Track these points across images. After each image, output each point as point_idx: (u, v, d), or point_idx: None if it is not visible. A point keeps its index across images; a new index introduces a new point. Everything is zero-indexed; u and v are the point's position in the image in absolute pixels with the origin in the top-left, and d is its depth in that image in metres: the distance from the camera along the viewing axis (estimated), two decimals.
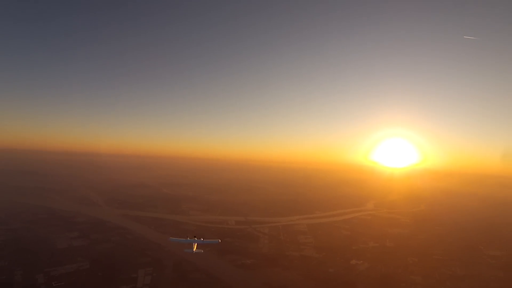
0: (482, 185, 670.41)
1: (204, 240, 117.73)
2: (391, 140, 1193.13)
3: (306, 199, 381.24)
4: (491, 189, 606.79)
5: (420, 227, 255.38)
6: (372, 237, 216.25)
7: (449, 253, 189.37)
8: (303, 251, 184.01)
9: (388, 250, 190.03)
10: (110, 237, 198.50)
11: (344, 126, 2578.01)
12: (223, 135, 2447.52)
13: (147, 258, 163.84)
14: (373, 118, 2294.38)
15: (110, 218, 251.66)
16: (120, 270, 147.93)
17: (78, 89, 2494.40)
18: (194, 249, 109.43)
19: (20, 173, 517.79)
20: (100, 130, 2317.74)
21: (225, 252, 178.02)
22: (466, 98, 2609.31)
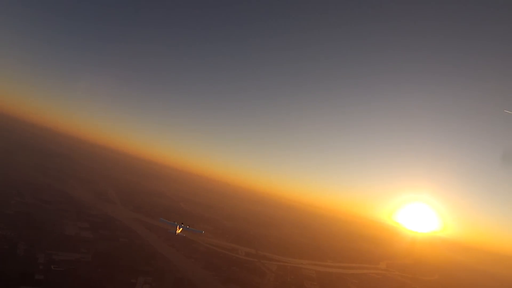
0: (500, 266, 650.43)
1: (190, 227, 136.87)
2: (416, 204, 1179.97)
3: (321, 245, 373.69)
4: (509, 271, 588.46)
5: None
6: None
7: None
8: None
9: None
10: (118, 237, 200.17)
11: (374, 182, 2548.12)
12: (254, 164, 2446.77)
13: (150, 267, 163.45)
14: (402, 180, 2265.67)
15: (122, 218, 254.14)
16: (120, 272, 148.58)
17: (138, 90, 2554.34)
18: (178, 231, 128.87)
19: (51, 155, 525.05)
20: (143, 135, 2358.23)
21: (229, 281, 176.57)
22: (496, 179, 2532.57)
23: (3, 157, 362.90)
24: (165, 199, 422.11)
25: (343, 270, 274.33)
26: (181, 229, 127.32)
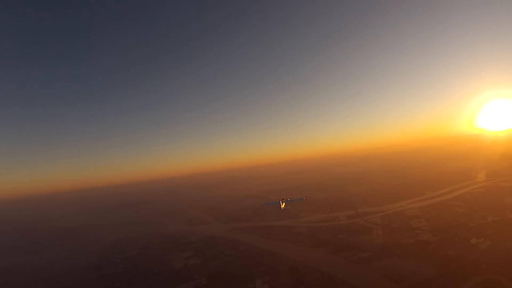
0: None
1: (290, 199, 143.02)
2: (494, 102, 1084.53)
3: (413, 181, 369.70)
4: None
5: None
6: (490, 210, 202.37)
7: None
8: (418, 236, 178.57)
9: (511, 222, 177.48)
10: (224, 252, 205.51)
11: (441, 95, 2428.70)
12: (314, 133, 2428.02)
13: (262, 267, 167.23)
14: (470, 82, 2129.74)
15: (221, 233, 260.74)
16: (237, 282, 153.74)
17: (165, 115, 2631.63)
18: (282, 206, 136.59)
19: (129, 205, 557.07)
20: (194, 151, 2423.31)
21: (340, 249, 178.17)
22: None
23: (92, 224, 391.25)
24: (253, 199, 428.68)
25: (444, 197, 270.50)
26: (284, 203, 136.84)
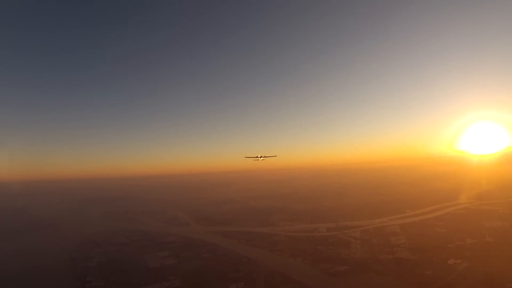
0: None
1: (266, 156, 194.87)
2: (477, 124, 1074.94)
3: (395, 198, 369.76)
4: None
5: None
6: (469, 232, 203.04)
7: None
8: (397, 253, 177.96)
9: (489, 246, 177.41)
10: (201, 254, 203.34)
11: (423, 114, 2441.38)
12: (299, 143, 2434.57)
13: (238, 272, 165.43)
14: (453, 102, 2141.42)
15: (199, 235, 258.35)
16: (212, 286, 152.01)
17: (153, 114, 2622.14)
18: (260, 159, 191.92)
19: (110, 200, 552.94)
20: (179, 152, 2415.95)
21: (318, 261, 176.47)
22: None
23: (71, 216, 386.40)
24: (234, 204, 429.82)
25: (425, 216, 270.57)
26: (262, 158, 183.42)
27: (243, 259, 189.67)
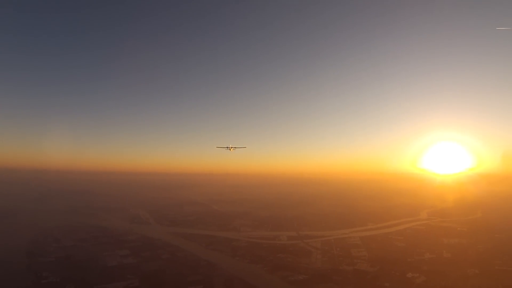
0: None
1: (236, 147, 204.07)
2: (440, 144, 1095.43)
3: (357, 211, 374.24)
4: None
5: (478, 235, 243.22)
6: (428, 248, 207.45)
7: None
8: (357, 265, 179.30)
9: (446, 261, 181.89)
10: (160, 255, 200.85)
11: (389, 130, 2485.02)
12: (268, 150, 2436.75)
13: (197, 275, 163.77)
14: (419, 121, 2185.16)
15: (160, 236, 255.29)
16: None
17: (123, 106, 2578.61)
18: (231, 150, 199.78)
19: (72, 193, 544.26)
20: (146, 149, 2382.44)
21: (277, 269, 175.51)
22: None
23: (30, 207, 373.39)
24: (197, 206, 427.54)
25: (385, 230, 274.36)
26: (232, 148, 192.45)
27: (203, 262, 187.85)
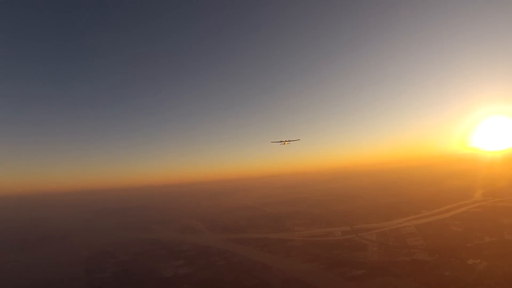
0: None
1: (291, 140, 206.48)
2: (490, 119, 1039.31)
3: (410, 199, 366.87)
4: None
5: None
6: (487, 231, 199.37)
7: None
8: (414, 255, 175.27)
9: (508, 243, 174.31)
10: (215, 262, 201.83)
11: (434, 112, 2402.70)
12: (311, 148, 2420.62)
13: (254, 279, 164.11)
14: (464, 98, 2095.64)
15: (214, 243, 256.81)
16: None
17: (167, 121, 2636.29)
18: (285, 144, 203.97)
19: (125, 210, 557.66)
20: (198, 159, 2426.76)
21: (334, 265, 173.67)
22: None
23: (86, 227, 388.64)
24: (249, 210, 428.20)
25: (441, 216, 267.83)
26: (286, 142, 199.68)
27: (258, 265, 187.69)
